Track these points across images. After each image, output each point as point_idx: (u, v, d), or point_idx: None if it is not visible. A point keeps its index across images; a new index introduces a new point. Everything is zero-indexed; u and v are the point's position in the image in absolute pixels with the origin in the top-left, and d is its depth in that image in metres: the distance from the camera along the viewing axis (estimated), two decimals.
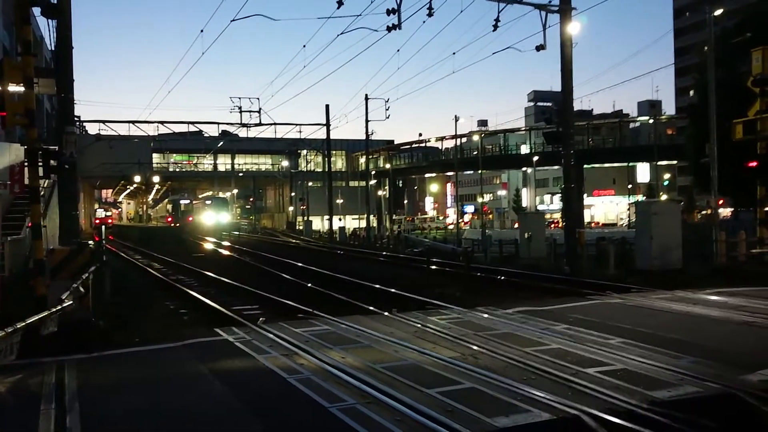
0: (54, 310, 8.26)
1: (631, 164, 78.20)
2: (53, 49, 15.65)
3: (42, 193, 12.78)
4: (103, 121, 42.46)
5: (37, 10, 11.57)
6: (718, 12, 24.94)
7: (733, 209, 37.80)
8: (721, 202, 25.09)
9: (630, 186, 79.51)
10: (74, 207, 15.13)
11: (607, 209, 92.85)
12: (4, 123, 9.86)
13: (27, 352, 8.24)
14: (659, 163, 65.57)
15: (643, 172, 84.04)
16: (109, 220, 77.63)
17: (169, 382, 7.17)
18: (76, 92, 15.00)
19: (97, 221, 69.05)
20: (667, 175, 78.55)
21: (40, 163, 10.43)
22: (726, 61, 28.63)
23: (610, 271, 18.77)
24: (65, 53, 14.62)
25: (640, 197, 70.47)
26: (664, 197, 65.61)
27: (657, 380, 6.59)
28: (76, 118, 21.25)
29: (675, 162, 71.83)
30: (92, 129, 47.78)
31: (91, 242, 15.27)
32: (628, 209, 77.26)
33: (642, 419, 5.51)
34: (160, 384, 7.13)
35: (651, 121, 68.16)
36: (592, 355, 7.72)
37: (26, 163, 10.81)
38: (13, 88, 9.66)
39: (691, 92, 57.68)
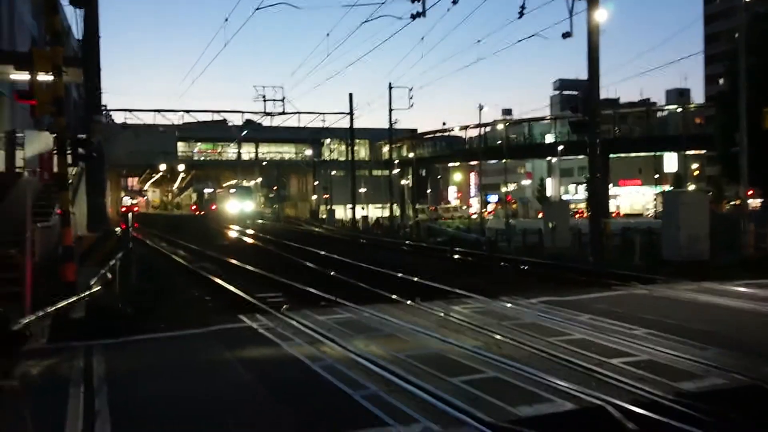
0: (82, 295, 8.40)
1: (658, 154, 77.04)
2: (81, 38, 15.83)
3: (70, 180, 12.97)
4: (129, 110, 43.01)
5: (65, 0, 11.71)
6: None
7: (762, 200, 37.10)
8: (750, 192, 24.61)
9: (657, 176, 78.38)
10: (101, 195, 15.37)
11: (633, 199, 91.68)
12: (34, 111, 10.01)
13: (57, 336, 8.40)
14: (687, 152, 64.54)
15: (670, 161, 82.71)
16: (135, 208, 78.58)
17: (193, 368, 7.26)
18: (102, 81, 15.23)
19: (124, 209, 69.96)
20: (695, 165, 77.41)
21: (69, 151, 10.56)
22: (757, 48, 27.97)
23: (636, 261, 18.57)
24: (92, 43, 14.80)
25: (667, 187, 69.46)
26: (691, 187, 64.58)
27: (683, 371, 6.52)
28: (102, 107, 21.51)
29: (703, 152, 70.58)
30: (119, 118, 48.24)
31: (117, 229, 15.48)
32: (655, 199, 76.29)
33: (667, 410, 5.46)
34: (184, 369, 7.23)
35: (679, 110, 67.10)
36: (616, 345, 7.66)
37: (55, 151, 10.98)
38: (42, 77, 9.80)
39: (721, 80, 56.62)
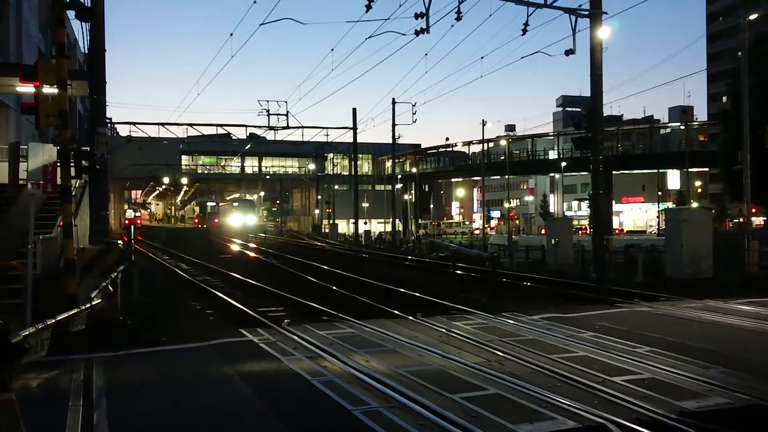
0: (83, 308, 8.36)
1: (661, 171, 77.04)
2: (86, 51, 15.92)
3: (73, 193, 13.03)
4: (134, 123, 43.13)
5: (71, 14, 11.78)
6: (753, 17, 24.49)
7: (766, 218, 37.06)
8: (753, 210, 24.55)
9: (660, 193, 78.32)
10: (104, 207, 15.36)
11: (635, 216, 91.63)
12: (39, 124, 10.05)
13: (57, 348, 8.34)
14: (690, 170, 64.53)
15: (673, 179, 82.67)
16: (138, 221, 78.74)
17: (194, 382, 7.23)
18: (107, 94, 15.27)
19: (127, 221, 70.07)
20: (698, 182, 77.33)
21: (72, 164, 10.59)
22: (760, 68, 28.10)
23: (639, 278, 18.49)
24: (98, 56, 14.87)
25: (670, 204, 69.39)
26: (694, 205, 64.53)
27: (686, 390, 6.47)
28: (107, 120, 21.60)
29: (706, 169, 70.60)
30: (123, 130, 48.61)
31: (120, 242, 15.47)
32: (658, 216, 76.15)
33: (670, 429, 5.42)
34: (185, 383, 7.20)
35: (682, 127, 67.10)
36: (619, 363, 7.61)
37: (59, 163, 11.00)
38: (47, 89, 9.84)
39: (724, 98, 56.69)
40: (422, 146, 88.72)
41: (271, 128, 40.41)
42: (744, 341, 9.14)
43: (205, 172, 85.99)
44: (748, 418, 5.88)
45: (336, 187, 77.84)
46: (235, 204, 62.74)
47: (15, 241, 12.86)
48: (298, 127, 43.52)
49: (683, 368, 7.31)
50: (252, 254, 34.74)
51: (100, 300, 9.03)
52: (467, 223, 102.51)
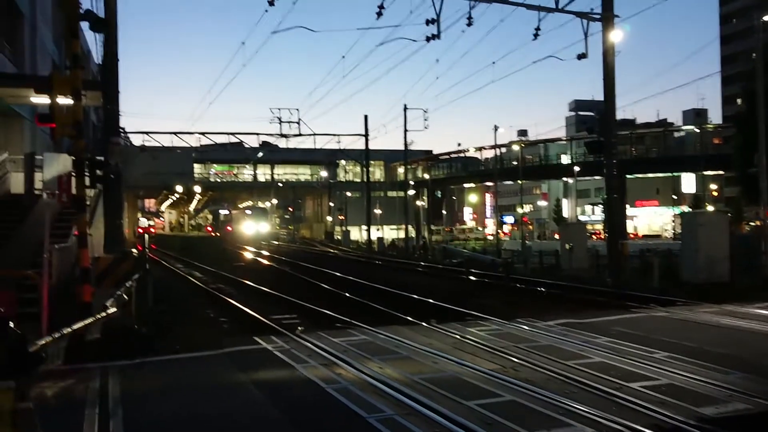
0: (98, 316, 8.42)
1: (675, 174, 76.51)
2: (100, 62, 16.06)
3: (88, 202, 13.11)
4: (147, 132, 43.49)
5: (85, 25, 11.88)
6: (767, 17, 24.28)
7: None
8: None
9: (675, 197, 77.80)
10: (119, 216, 15.44)
11: (650, 220, 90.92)
12: (54, 134, 10.13)
13: (73, 357, 8.41)
14: (705, 173, 64.03)
15: (688, 182, 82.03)
16: (152, 230, 79.18)
17: (209, 390, 7.23)
18: (121, 104, 15.38)
19: (140, 230, 70.50)
20: (713, 186, 76.75)
21: (87, 173, 10.67)
22: None
23: (654, 283, 18.34)
24: (111, 66, 14.98)
25: (685, 208, 68.85)
26: (710, 208, 64.02)
27: (704, 396, 6.39)
28: (120, 129, 21.76)
29: (722, 172, 70.00)
30: (136, 140, 48.95)
31: (134, 251, 15.56)
32: (673, 220, 75.61)
33: None
34: (200, 391, 7.20)
35: (697, 130, 66.68)
36: (636, 369, 7.53)
37: (73, 173, 11.08)
38: (62, 100, 9.93)
39: (739, 101, 56.26)
40: (434, 152, 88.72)
41: (283, 136, 40.58)
42: (763, 346, 9.02)
43: (218, 180, 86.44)
44: None
45: (348, 194, 77.95)
46: (248, 212, 63.02)
47: (31, 251, 12.97)
48: (310, 135, 43.53)
49: (701, 374, 7.22)
50: (265, 262, 34.82)
51: (115, 309, 9.09)
52: (480, 228, 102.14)
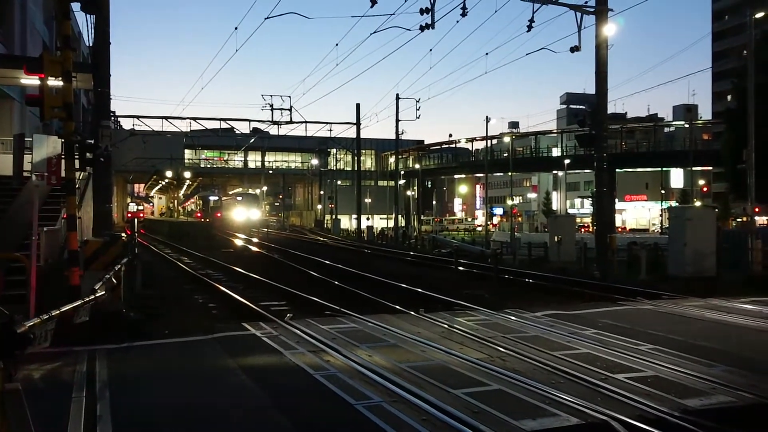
0: (87, 300, 8.37)
1: (664, 169, 76.95)
2: (91, 44, 15.90)
3: (77, 185, 13.01)
4: (138, 117, 43.01)
5: (76, 6, 11.75)
6: (759, 15, 24.38)
7: None
8: (757, 209, 24.50)
9: (663, 191, 78.26)
10: (108, 200, 15.33)
11: (638, 214, 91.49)
12: (43, 115, 10.04)
13: (60, 340, 8.37)
14: (694, 168, 64.43)
15: (677, 177, 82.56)
16: (141, 214, 78.78)
17: (197, 375, 7.24)
18: (112, 87, 15.23)
19: (130, 215, 70.13)
20: (702, 181, 77.22)
21: (77, 156, 10.59)
22: (766, 66, 27.98)
23: (642, 276, 18.48)
24: (103, 49, 14.82)
25: (674, 203, 69.27)
26: (698, 203, 64.45)
27: (689, 388, 6.47)
28: (111, 113, 21.61)
29: (710, 168, 70.47)
30: (127, 124, 48.35)
31: (123, 235, 15.48)
32: (661, 215, 76.04)
33: (673, 427, 5.41)
34: (188, 376, 7.21)
35: (687, 125, 66.98)
36: (622, 360, 7.61)
37: (63, 156, 11.00)
38: (52, 81, 9.83)
39: (729, 97, 56.54)
40: (425, 142, 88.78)
41: (274, 123, 40.36)
42: (747, 340, 9.12)
43: (208, 166, 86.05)
44: (752, 417, 5.87)
45: (339, 182, 77.87)
46: (239, 198, 62.73)
47: (19, 233, 12.89)
48: (302, 122, 43.27)
49: (687, 366, 7.30)
50: (254, 248, 34.75)
51: (103, 292, 9.05)
52: (470, 219, 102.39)
